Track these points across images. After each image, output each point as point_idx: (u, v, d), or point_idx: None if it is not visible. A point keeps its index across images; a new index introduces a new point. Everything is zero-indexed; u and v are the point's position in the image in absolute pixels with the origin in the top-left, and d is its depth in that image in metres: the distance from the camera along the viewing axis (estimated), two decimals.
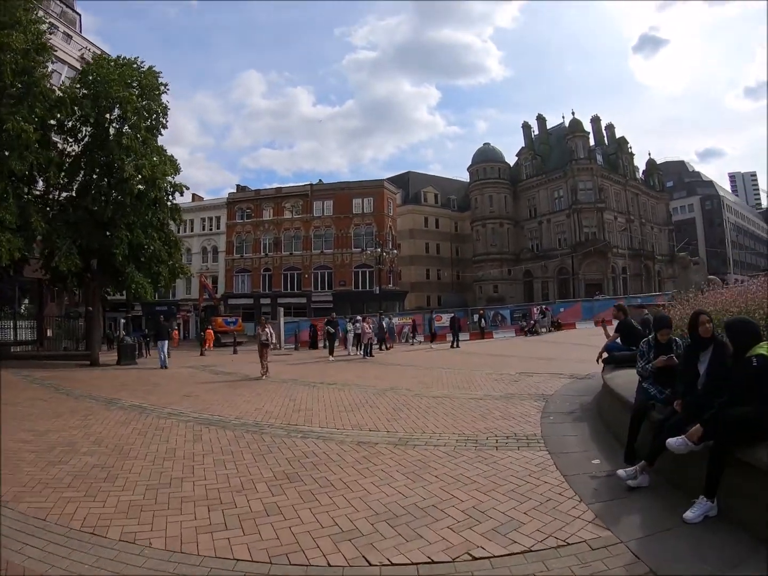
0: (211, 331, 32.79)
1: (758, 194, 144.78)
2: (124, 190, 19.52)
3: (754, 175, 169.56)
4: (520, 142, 66.85)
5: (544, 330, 31.51)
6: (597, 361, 8.25)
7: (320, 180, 57.99)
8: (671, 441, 3.72)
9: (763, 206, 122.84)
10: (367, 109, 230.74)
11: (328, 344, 21.00)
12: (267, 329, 14.89)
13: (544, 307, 34.94)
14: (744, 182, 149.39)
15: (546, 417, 7.07)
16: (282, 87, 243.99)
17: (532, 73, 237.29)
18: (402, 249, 61.60)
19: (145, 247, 21.01)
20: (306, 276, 52.62)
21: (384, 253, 41.53)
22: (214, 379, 14.60)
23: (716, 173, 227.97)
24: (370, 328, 21.80)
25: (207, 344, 29.23)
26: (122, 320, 29.34)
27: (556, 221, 59.52)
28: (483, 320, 30.99)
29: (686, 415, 3.92)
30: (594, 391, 8.18)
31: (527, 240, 62.89)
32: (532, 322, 30.80)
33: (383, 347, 24.77)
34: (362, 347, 21.39)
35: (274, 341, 16.85)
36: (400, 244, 60.84)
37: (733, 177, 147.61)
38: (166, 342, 19.24)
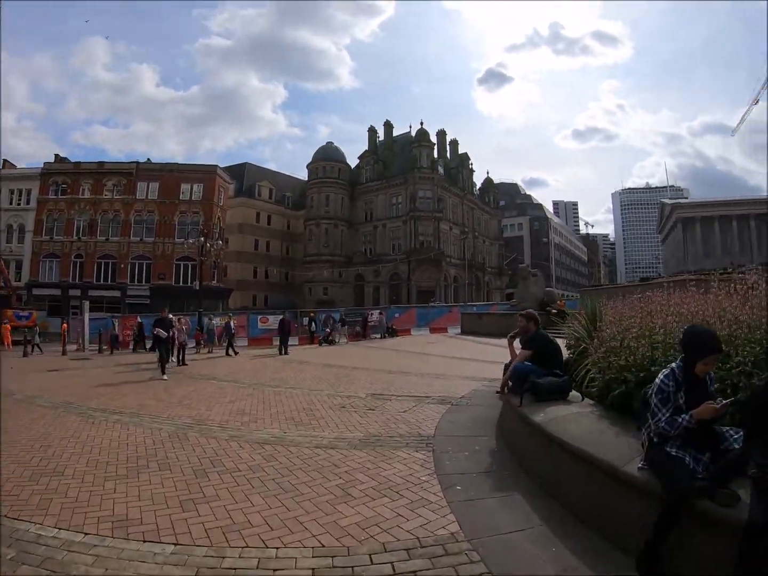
0: (9, 327, 27.39)
1: (577, 221, 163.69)
2: None
3: (575, 204, 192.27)
4: (358, 152, 66.36)
5: (377, 336, 30.54)
6: (502, 390, 6.71)
7: (149, 159, 52.36)
8: None
9: (581, 232, 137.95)
10: (212, 97, 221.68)
11: (158, 354, 13.70)
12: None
13: (379, 311, 34.03)
14: (566, 210, 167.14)
15: (450, 488, 4.29)
16: (127, 61, 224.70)
17: (381, 88, 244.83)
18: (230, 244, 58.20)
19: None
20: (122, 266, 46.92)
21: (208, 245, 38.10)
22: None
23: (539, 200, 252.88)
24: (183, 329, 18.45)
25: (5, 343, 24.51)
26: None
27: (392, 226, 59.57)
28: (313, 324, 28.83)
29: None
30: (487, 424, 6.42)
31: (361, 243, 62.11)
32: (327, 330, 27.51)
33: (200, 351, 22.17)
34: (175, 353, 16.76)
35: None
36: (228, 239, 57.29)
37: (556, 204, 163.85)
38: None
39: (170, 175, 48.53)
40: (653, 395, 3.22)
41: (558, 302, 29.45)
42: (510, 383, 6.16)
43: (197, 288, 30.71)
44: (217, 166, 51.56)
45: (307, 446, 5.71)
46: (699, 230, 75.48)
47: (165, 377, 12.36)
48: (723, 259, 62.47)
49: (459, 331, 31.14)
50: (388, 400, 8.36)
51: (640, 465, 3.29)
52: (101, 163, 49.69)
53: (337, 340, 26.22)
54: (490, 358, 14.26)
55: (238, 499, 4.18)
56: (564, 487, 3.97)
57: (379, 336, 30.24)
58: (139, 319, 26.68)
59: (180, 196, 48.19)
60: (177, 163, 50.58)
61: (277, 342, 21.74)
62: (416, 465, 4.91)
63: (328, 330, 27.11)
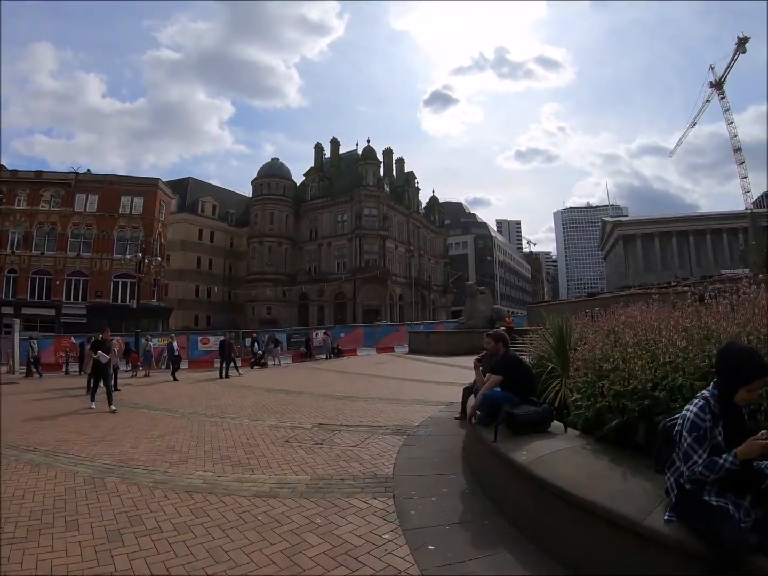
0: None
1: (520, 240, 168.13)
2: None
3: (518, 223, 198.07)
4: (304, 170, 65.44)
5: (322, 357, 29.43)
6: (469, 419, 5.83)
7: (89, 170, 49.46)
8: None
9: (524, 250, 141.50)
10: (158, 111, 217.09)
11: (93, 382, 11.82)
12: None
13: (324, 331, 32.89)
14: (509, 228, 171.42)
15: (421, 548, 3.45)
16: (74, 69, 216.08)
17: (328, 107, 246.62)
18: (172, 261, 55.95)
19: None
20: (57, 283, 43.87)
21: (147, 261, 36.15)
22: None
23: (483, 219, 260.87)
24: (116, 351, 16.67)
25: None
26: None
27: (337, 245, 58.65)
28: (256, 344, 27.34)
29: None
30: (452, 458, 5.65)
31: (305, 262, 60.84)
32: (259, 352, 25.64)
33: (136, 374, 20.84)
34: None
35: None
36: (169, 256, 54.97)
37: (500, 223, 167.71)
38: None
39: (110, 187, 46.07)
40: (684, 433, 2.55)
41: (506, 319, 29.32)
42: (478, 413, 5.38)
43: (134, 306, 28.79)
44: (158, 179, 49.47)
45: (245, 494, 4.75)
46: (640, 246, 79.04)
47: (93, 406, 10.98)
48: (663, 274, 65.77)
49: (407, 350, 30.48)
50: (338, 432, 7.44)
51: (666, 517, 2.61)
52: (39, 173, 46.55)
53: (274, 362, 25.00)
54: (444, 379, 13.62)
55: (157, 573, 3.24)
56: (564, 544, 3.20)
57: (324, 356, 29.21)
58: (73, 340, 24.70)
59: (120, 209, 45.76)
60: (118, 175, 48.31)
61: (218, 364, 20.29)
62: (376, 517, 4.04)
63: (260, 352, 25.62)
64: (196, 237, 61.19)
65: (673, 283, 36.20)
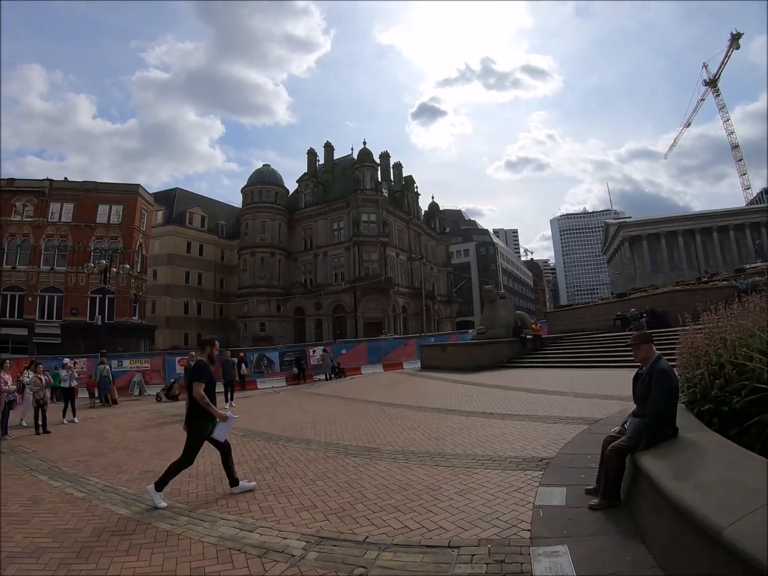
0: None
1: (518, 248, 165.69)
2: None
3: (515, 231, 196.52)
4: (296, 186, 60.65)
5: (321, 377, 25.67)
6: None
7: (66, 178, 45.54)
8: None
9: (521, 258, 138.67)
10: (149, 131, 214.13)
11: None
12: None
13: (323, 348, 29.00)
14: (506, 237, 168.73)
15: None
16: (64, 90, 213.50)
17: (316, 123, 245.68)
18: (159, 276, 52.03)
19: None
20: (30, 299, 39.61)
21: (118, 272, 32.24)
22: None
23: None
24: (43, 380, 12.79)
25: None
26: None
27: (333, 254, 54.29)
28: (243, 365, 23.31)
29: None
30: None
31: (300, 273, 56.14)
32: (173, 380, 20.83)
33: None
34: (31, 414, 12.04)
35: None
36: (156, 271, 51.20)
37: (496, 232, 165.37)
38: None
39: (87, 195, 41.93)
40: None
41: (533, 326, 25.65)
42: None
43: (98, 323, 24.95)
44: (139, 185, 45.14)
45: None
46: (646, 247, 76.76)
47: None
48: (672, 274, 64.18)
49: (418, 366, 27.01)
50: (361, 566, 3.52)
51: None
52: (11, 180, 42.50)
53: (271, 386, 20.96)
54: (509, 409, 9.83)
55: None
56: None
57: (323, 377, 25.43)
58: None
59: (97, 218, 41.73)
60: (95, 182, 43.88)
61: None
62: None
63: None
64: (184, 250, 57.02)
65: (703, 279, 33.02)
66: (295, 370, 25.50)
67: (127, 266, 34.15)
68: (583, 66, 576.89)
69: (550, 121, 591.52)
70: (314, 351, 28.53)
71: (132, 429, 11.69)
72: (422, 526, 4.02)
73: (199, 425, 5.46)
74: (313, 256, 55.75)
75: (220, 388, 14.58)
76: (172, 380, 20.90)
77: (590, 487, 4.44)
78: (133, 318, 41.45)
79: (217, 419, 5.50)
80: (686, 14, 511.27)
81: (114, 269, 25.15)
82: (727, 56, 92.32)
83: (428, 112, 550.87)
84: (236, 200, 59.74)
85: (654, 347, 4.44)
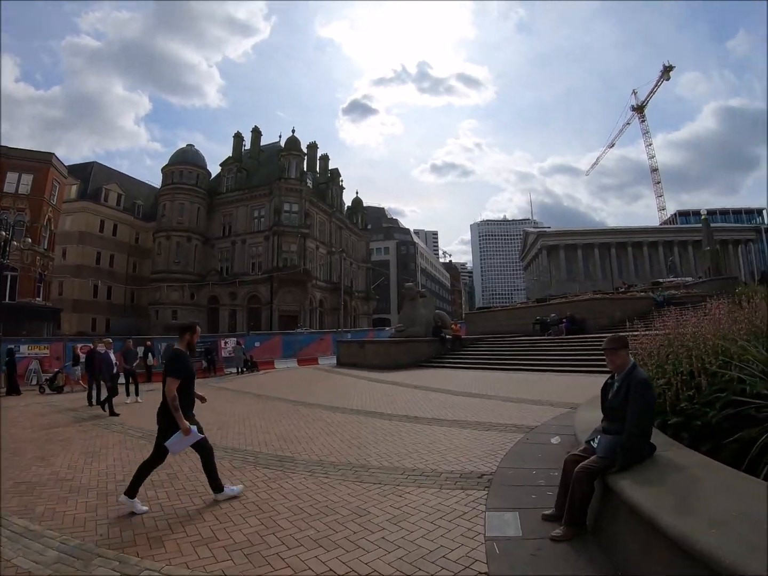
0: None
1: (437, 250, 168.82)
2: None
3: (435, 233, 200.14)
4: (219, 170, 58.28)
5: (232, 371, 24.16)
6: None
7: None
8: None
9: (441, 260, 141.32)
10: (73, 101, 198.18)
11: None
12: None
13: (237, 340, 27.43)
14: (426, 239, 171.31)
15: None
16: None
17: (247, 110, 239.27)
18: (68, 255, 48.55)
19: None
20: None
21: (20, 247, 29.14)
22: None
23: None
24: None
25: None
26: None
27: (252, 242, 52.25)
28: (150, 355, 21.12)
29: None
30: None
31: (217, 261, 53.69)
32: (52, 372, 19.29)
33: None
34: None
35: None
36: (65, 249, 47.28)
37: (417, 232, 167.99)
38: None
39: None
40: None
41: (452, 326, 25.44)
42: None
43: None
44: (53, 154, 40.71)
45: None
46: (563, 257, 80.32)
47: None
48: (586, 284, 67.73)
49: (334, 362, 26.19)
50: None
51: None
52: None
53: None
54: (429, 412, 9.18)
55: None
56: None
57: (235, 371, 23.98)
58: None
59: (5, 187, 37.24)
60: (7, 147, 39.10)
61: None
62: None
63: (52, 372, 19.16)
64: (97, 229, 52.75)
65: (621, 290, 34.78)
66: (204, 362, 23.85)
67: (29, 240, 30.80)
68: (517, 80, 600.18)
69: (480, 130, 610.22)
70: (226, 343, 27.10)
71: (17, 426, 9.96)
72: (352, 570, 3.14)
73: (165, 421, 4.63)
74: (231, 243, 53.47)
75: (122, 379, 13.08)
76: (56, 370, 18.92)
77: (548, 511, 3.77)
78: (37, 299, 37.58)
79: (180, 429, 4.56)
80: (625, 41, 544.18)
81: (15, 243, 22.35)
82: (656, 85, 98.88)
83: (360, 109, 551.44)
84: (158, 182, 55.61)
85: (630, 353, 3.84)
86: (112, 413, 10.99)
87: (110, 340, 13.19)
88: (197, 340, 5.16)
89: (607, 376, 3.94)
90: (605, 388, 3.89)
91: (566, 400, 9.27)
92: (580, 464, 3.52)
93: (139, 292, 55.58)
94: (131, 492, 4.52)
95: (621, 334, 4.55)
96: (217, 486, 4.80)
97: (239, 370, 24.09)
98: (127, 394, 13.41)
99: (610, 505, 3.36)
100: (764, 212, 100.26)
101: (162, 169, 54.69)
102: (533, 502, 4.09)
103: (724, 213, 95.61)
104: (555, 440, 6.25)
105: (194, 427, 4.67)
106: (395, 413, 9.35)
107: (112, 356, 12.23)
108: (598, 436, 3.73)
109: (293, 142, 53.65)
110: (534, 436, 6.60)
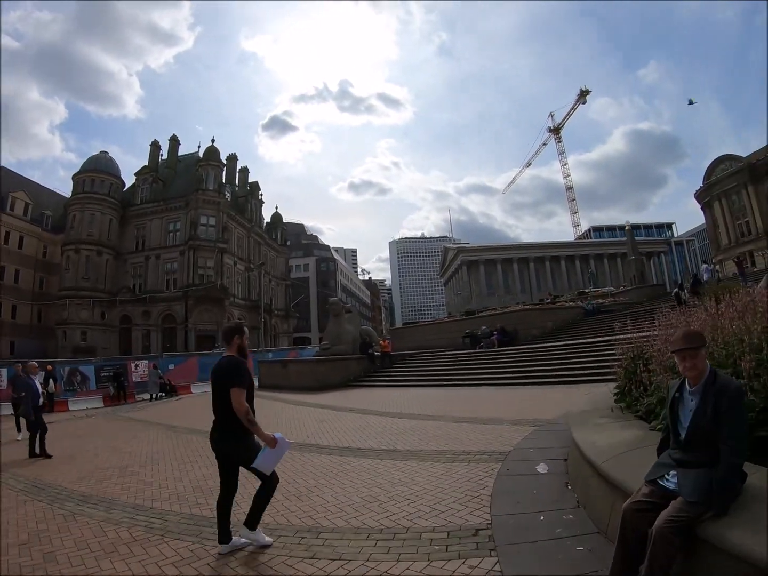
0: None
1: (356, 267, 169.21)
2: None
3: (354, 251, 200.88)
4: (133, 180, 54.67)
5: (145, 398, 21.97)
6: None
7: None
8: None
9: (360, 277, 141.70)
10: None
11: None
12: None
13: (152, 363, 25.13)
14: (345, 256, 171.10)
15: None
16: None
17: (166, 122, 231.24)
18: None
19: None
20: None
21: None
22: None
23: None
24: None
25: None
26: None
27: (167, 257, 49.13)
28: (52, 381, 18.77)
29: None
30: None
31: (129, 277, 49.99)
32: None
33: None
34: None
35: None
36: None
37: (336, 250, 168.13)
38: None
39: None
40: None
41: (381, 342, 24.30)
42: None
43: None
44: None
45: None
46: (483, 272, 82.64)
47: None
48: (506, 297, 70.96)
49: (256, 384, 24.02)
50: None
51: None
52: None
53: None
54: (374, 442, 7.86)
55: None
56: None
57: (149, 397, 21.82)
58: None
59: None
60: None
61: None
62: None
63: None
64: (0, 241, 47.46)
65: (547, 300, 35.70)
66: (111, 389, 21.48)
67: None
68: (436, 102, 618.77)
69: (398, 149, 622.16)
70: (137, 365, 24.76)
71: None
72: None
73: (234, 445, 3.95)
74: (145, 258, 49.97)
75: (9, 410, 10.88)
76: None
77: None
78: None
79: (263, 443, 3.87)
80: (542, 68, 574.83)
81: None
82: (573, 108, 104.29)
83: (279, 125, 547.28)
84: (69, 192, 50.79)
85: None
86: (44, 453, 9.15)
87: (35, 364, 10.84)
88: (246, 343, 4.17)
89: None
90: (673, 405, 2.79)
91: (525, 417, 8.38)
92: (664, 517, 2.37)
93: (47, 311, 50.51)
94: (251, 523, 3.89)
95: (694, 329, 3.43)
96: (252, 523, 3.92)
97: (155, 395, 22.03)
98: (18, 430, 11.22)
99: (702, 565, 2.37)
100: (674, 226, 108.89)
101: (73, 177, 51.03)
102: (568, 568, 2.91)
103: (635, 228, 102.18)
104: (542, 469, 5.15)
105: (279, 434, 3.95)
106: (335, 445, 7.96)
107: (38, 383, 10.11)
108: (671, 472, 2.62)
109: (212, 152, 51.19)
110: (513, 466, 5.43)
